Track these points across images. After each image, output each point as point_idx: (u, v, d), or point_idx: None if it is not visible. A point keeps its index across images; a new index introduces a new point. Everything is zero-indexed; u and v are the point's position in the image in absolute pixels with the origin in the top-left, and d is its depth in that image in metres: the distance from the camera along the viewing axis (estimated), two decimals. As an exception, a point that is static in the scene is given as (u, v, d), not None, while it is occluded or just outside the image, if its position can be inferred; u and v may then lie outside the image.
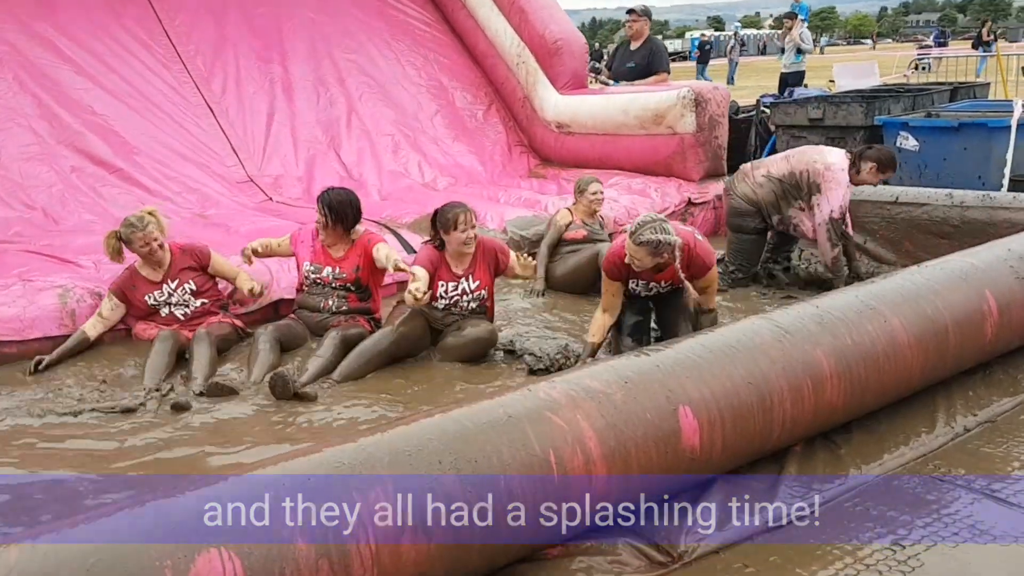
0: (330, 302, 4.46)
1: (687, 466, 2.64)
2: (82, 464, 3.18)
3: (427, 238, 4.32)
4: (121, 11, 7.40)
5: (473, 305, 4.23)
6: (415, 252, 5.50)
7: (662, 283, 4.01)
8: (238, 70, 7.64)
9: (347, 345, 4.13)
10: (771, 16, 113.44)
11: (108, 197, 6.30)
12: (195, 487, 1.99)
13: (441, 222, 4.12)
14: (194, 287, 4.44)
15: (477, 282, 4.23)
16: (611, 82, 7.91)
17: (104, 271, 4.69)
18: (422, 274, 3.98)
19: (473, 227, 4.09)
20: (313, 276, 4.49)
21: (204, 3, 7.83)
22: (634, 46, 7.66)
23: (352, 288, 4.48)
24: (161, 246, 4.34)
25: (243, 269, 4.63)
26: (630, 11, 7.63)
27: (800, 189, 5.07)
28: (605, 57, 12.09)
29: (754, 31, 68.52)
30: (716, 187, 6.72)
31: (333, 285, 4.48)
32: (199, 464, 3.18)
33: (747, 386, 2.79)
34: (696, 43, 30.50)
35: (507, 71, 8.29)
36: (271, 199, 6.94)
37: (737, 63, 27.16)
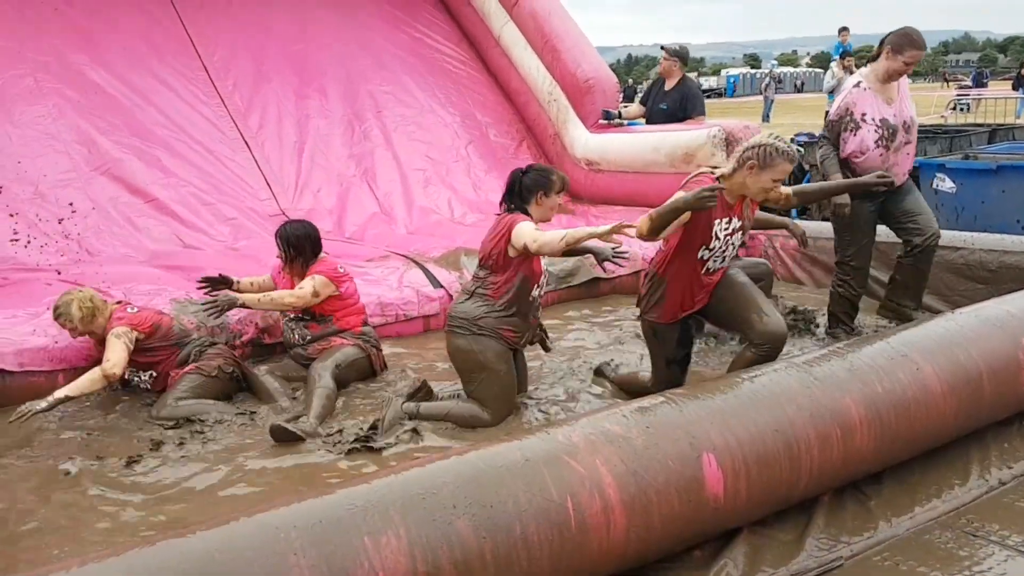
0: (296, 336, 4.48)
1: (710, 515, 2.57)
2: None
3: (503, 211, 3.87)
4: (160, 45, 7.57)
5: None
6: (442, 287, 5.52)
7: (739, 222, 3.52)
8: (274, 105, 7.77)
9: (337, 376, 4.15)
10: (808, 54, 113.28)
11: (143, 228, 6.40)
12: (206, 528, 1.97)
13: (538, 183, 3.77)
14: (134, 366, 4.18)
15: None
16: (625, 123, 7.88)
17: (135, 303, 4.74)
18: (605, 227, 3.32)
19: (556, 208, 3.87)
20: (289, 319, 4.55)
21: (242, 39, 8.00)
22: (668, 86, 7.66)
23: (308, 318, 4.46)
24: (86, 333, 4.11)
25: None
26: (663, 48, 7.65)
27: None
28: (638, 94, 12.09)
29: (791, 69, 68.40)
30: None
31: (294, 317, 4.49)
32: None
33: (773, 433, 2.72)
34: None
35: (538, 108, 8.34)
36: (303, 232, 7.00)
37: (773, 100, 27.12)
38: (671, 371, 3.77)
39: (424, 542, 2.07)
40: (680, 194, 3.18)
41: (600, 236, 3.33)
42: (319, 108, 7.94)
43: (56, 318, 4.05)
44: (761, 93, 28.27)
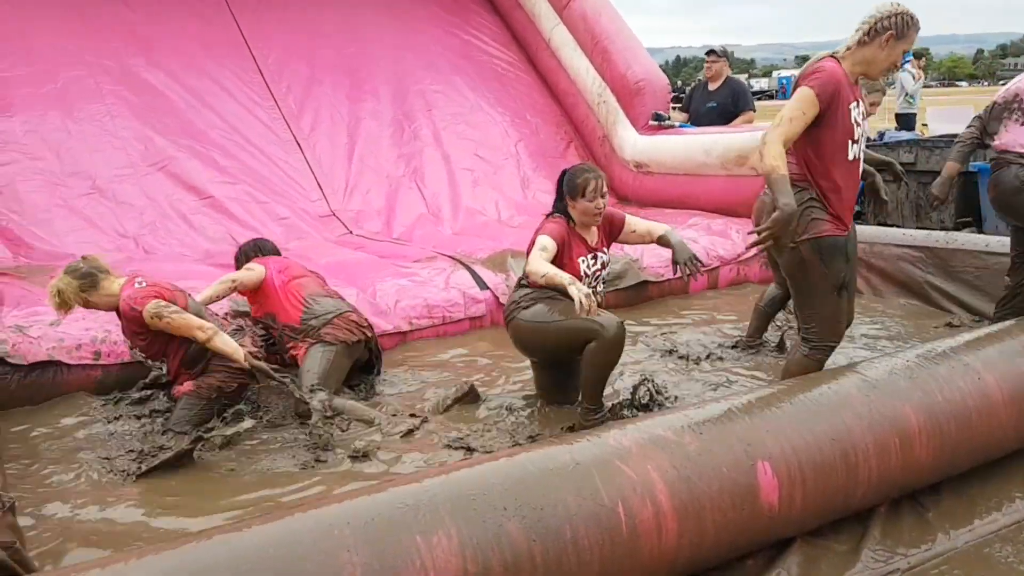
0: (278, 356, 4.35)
1: (764, 524, 2.52)
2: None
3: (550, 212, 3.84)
4: (216, 48, 7.72)
5: (603, 282, 3.84)
6: (488, 288, 5.51)
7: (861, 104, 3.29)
8: (326, 107, 7.86)
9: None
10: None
11: (198, 227, 6.52)
12: (261, 523, 1.99)
13: (568, 187, 3.70)
14: (142, 354, 3.92)
15: (605, 249, 3.81)
16: (676, 125, 7.78)
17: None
18: (579, 292, 3.22)
19: (604, 196, 3.65)
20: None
21: (296, 43, 8.11)
22: (712, 87, 7.59)
23: (261, 328, 4.33)
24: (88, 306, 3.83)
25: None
26: (709, 52, 7.59)
27: None
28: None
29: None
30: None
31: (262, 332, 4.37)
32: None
33: (830, 442, 2.67)
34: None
35: (587, 110, 8.31)
36: (351, 232, 7.07)
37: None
38: (841, 302, 3.37)
39: (474, 543, 2.06)
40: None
41: (567, 290, 3.29)
42: (370, 109, 8.01)
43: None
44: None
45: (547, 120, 8.61)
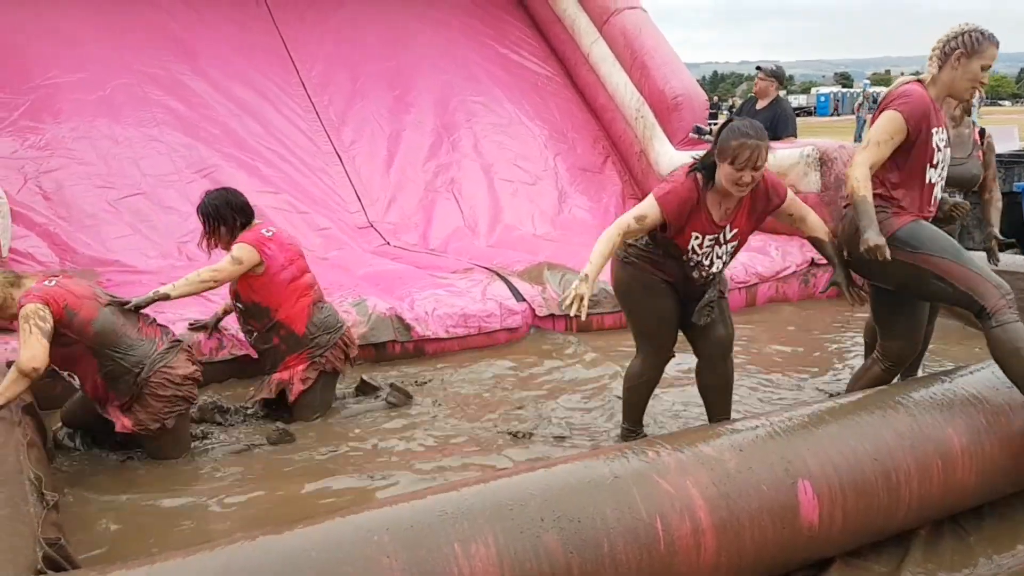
0: (246, 335, 4.09)
1: (804, 543, 2.50)
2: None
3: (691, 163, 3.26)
4: (261, 61, 7.86)
5: (723, 261, 3.34)
6: (525, 300, 5.53)
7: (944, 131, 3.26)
8: (367, 118, 7.95)
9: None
10: (902, 73, 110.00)
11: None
12: (303, 526, 2.01)
13: (720, 146, 3.09)
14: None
15: (735, 230, 3.28)
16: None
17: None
18: (586, 289, 3.02)
19: (756, 169, 3.05)
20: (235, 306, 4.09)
21: (339, 55, 8.22)
22: (760, 105, 7.54)
23: (242, 308, 3.97)
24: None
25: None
26: (759, 68, 7.53)
27: None
28: (722, 112, 11.86)
29: (885, 88, 66.46)
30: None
31: (240, 313, 4.02)
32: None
33: (872, 462, 2.64)
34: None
35: (625, 125, 8.32)
36: (389, 243, 7.13)
37: (865, 120, 26.40)
38: (922, 316, 3.36)
39: (512, 553, 2.07)
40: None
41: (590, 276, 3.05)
42: (410, 121, 8.08)
43: None
44: (854, 112, 27.54)
45: (585, 134, 8.63)
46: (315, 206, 7.18)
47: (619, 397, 4.08)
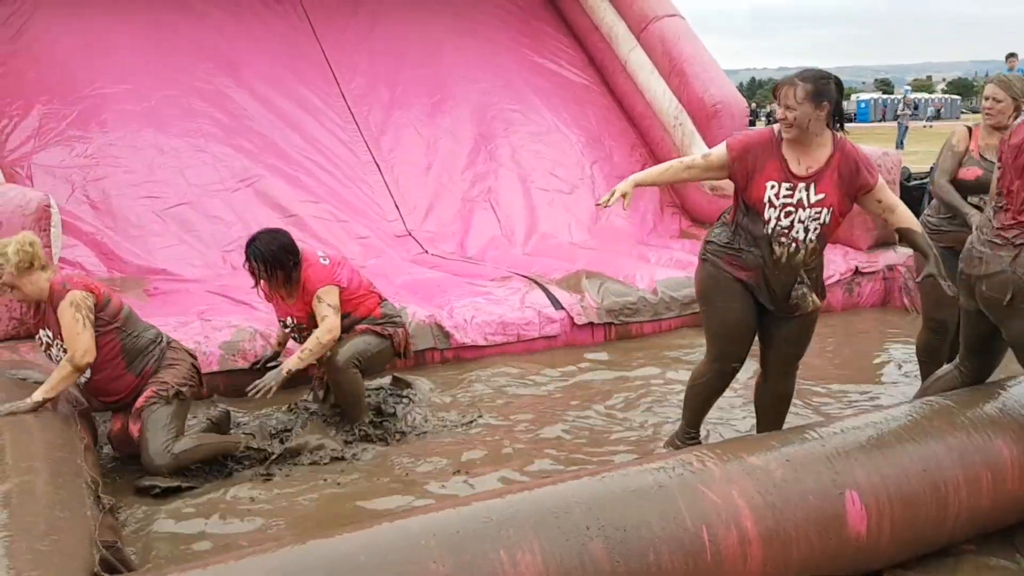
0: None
1: (851, 554, 2.47)
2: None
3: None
4: (303, 73, 7.96)
5: (808, 237, 3.08)
6: (563, 308, 5.53)
7: None
8: (406, 128, 8.01)
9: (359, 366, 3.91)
10: (944, 80, 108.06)
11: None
12: (350, 531, 2.04)
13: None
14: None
15: (821, 195, 3.05)
16: None
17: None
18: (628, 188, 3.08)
19: (790, 108, 2.98)
20: (287, 331, 4.16)
21: (379, 67, 8.30)
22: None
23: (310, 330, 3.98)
24: (12, 287, 3.31)
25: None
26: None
27: None
28: (760, 119, 11.74)
29: (926, 95, 65.47)
30: (885, 256, 6.40)
31: (296, 337, 4.08)
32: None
33: (920, 473, 2.61)
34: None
35: (663, 132, 8.29)
36: (427, 252, 7.18)
37: (907, 127, 26.03)
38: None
39: (558, 561, 2.07)
40: None
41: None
42: (448, 130, 8.13)
43: None
44: (896, 119, 27.17)
45: (622, 142, 8.61)
46: (354, 215, 7.25)
47: (657, 403, 4.08)
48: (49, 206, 4.44)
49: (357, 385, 3.97)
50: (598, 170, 8.30)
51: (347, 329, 4.02)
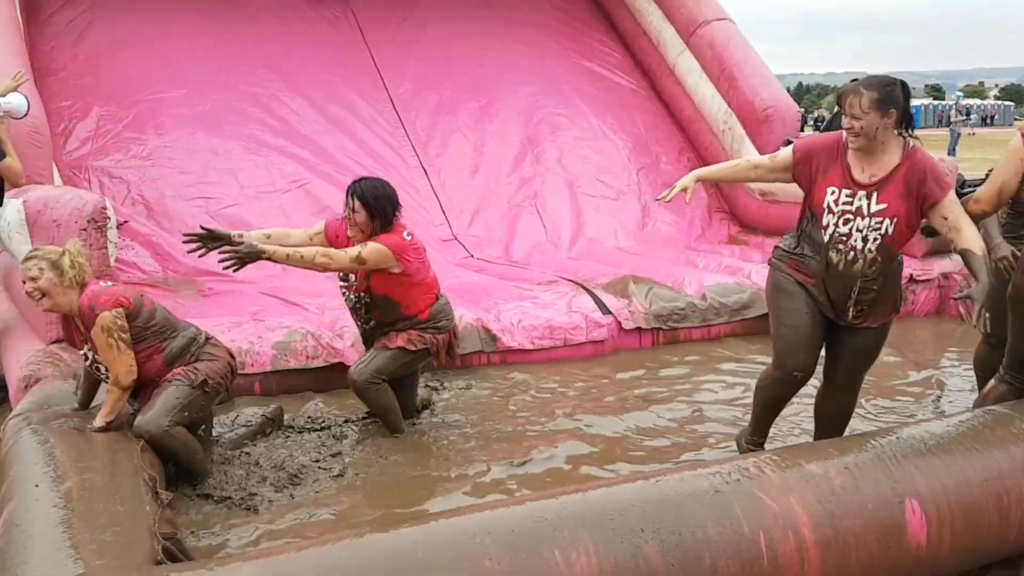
0: (359, 320, 3.94)
1: (910, 564, 2.43)
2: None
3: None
4: (351, 79, 8.07)
5: (867, 247, 2.99)
6: (610, 313, 5.50)
7: None
8: (453, 133, 8.07)
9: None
10: (996, 86, 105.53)
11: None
12: (408, 526, 2.05)
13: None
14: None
15: (883, 205, 2.97)
16: None
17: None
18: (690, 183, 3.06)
19: (857, 118, 2.93)
20: (342, 285, 3.90)
21: (427, 72, 8.37)
22: (852, 115, 7.37)
23: (368, 300, 3.81)
24: (52, 297, 3.25)
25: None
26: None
27: None
28: (808, 124, 11.58)
29: (978, 101, 64.07)
30: (940, 264, 6.26)
31: (352, 298, 3.87)
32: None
33: (982, 483, 2.55)
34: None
35: (711, 137, 8.23)
36: (472, 256, 7.20)
37: (960, 134, 25.51)
38: None
39: (613, 563, 2.07)
40: None
41: None
42: (495, 134, 8.16)
43: (30, 268, 3.23)
44: (948, 125, 26.63)
45: (669, 147, 8.56)
46: (403, 220, 7.29)
47: (705, 408, 4.03)
48: (105, 208, 4.49)
49: (384, 397, 3.86)
50: (644, 176, 8.26)
51: (388, 325, 3.87)
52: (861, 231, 3.00)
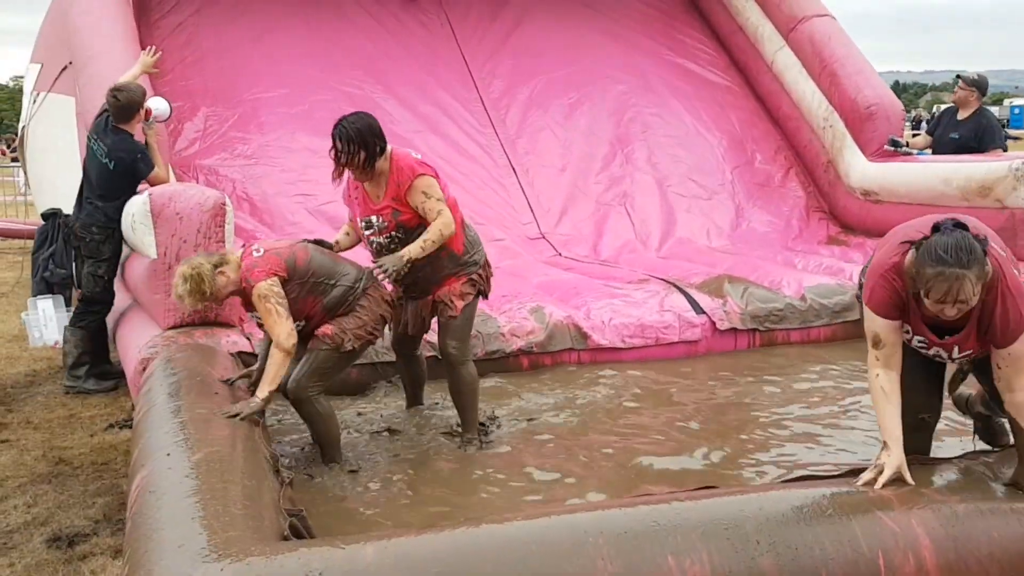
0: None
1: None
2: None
3: None
4: (442, 78, 8.16)
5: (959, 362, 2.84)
6: (704, 312, 5.39)
7: None
8: (542, 131, 8.06)
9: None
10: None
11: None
12: (521, 519, 2.07)
13: (915, 268, 2.50)
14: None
15: (966, 352, 2.73)
16: (914, 153, 7.33)
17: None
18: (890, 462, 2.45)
19: (957, 305, 2.43)
20: (368, 234, 3.77)
21: (517, 69, 8.39)
22: (961, 115, 7.09)
23: (401, 237, 3.67)
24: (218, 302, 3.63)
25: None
26: (959, 77, 7.09)
27: None
28: (923, 123, 11.11)
29: (1086, 97, 60.45)
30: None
31: (382, 241, 3.73)
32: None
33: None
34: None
35: (811, 134, 8.02)
36: (560, 254, 7.19)
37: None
38: None
39: (727, 573, 2.03)
40: None
41: None
42: (585, 131, 8.11)
43: (188, 308, 3.57)
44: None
45: (765, 145, 8.37)
46: (490, 218, 7.33)
47: (810, 415, 3.91)
48: (225, 203, 4.62)
49: (476, 379, 3.83)
50: (739, 176, 8.10)
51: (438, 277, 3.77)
52: (954, 359, 2.75)
